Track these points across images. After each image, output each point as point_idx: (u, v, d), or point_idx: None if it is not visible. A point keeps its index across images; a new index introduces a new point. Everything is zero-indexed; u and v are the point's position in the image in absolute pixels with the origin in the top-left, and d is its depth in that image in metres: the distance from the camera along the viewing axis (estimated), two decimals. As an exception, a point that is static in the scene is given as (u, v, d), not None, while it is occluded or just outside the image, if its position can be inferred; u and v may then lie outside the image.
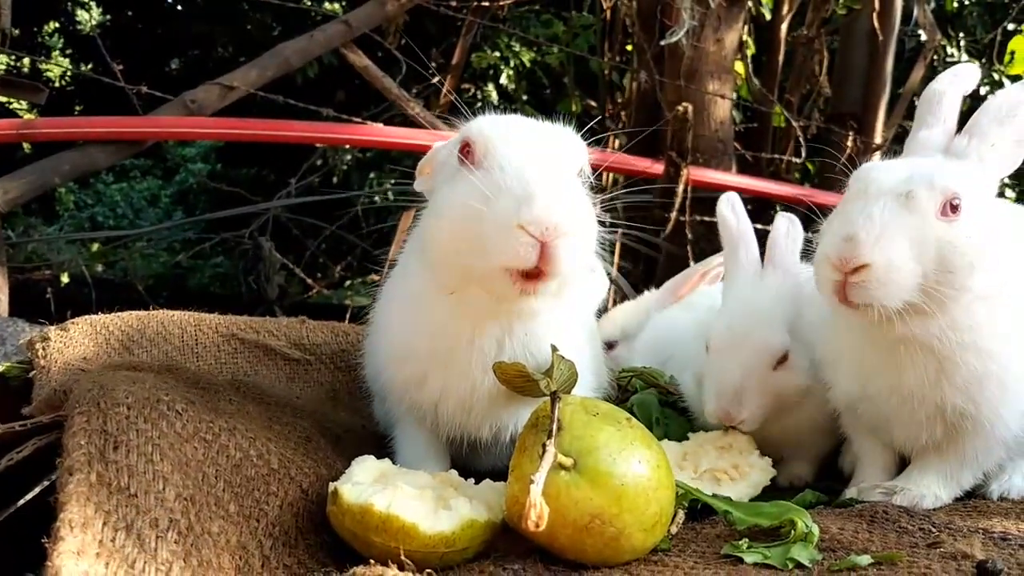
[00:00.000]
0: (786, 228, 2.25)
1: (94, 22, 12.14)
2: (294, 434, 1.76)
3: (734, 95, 5.82)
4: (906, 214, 1.67)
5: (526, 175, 1.48)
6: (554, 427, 1.39)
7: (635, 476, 1.41)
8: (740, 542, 1.49)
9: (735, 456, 2.03)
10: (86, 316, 2.46)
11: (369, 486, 1.46)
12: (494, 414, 1.77)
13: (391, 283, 1.93)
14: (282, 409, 1.91)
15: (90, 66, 11.29)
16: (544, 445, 1.36)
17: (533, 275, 1.48)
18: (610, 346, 3.08)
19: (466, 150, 1.59)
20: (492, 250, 1.47)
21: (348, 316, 6.36)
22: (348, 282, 9.29)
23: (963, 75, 1.95)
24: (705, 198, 5.17)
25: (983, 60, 9.76)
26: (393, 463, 1.70)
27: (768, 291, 2.16)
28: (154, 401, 1.49)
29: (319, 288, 7.49)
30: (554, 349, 1.65)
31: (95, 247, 9.41)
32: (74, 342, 2.34)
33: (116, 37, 11.79)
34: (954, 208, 1.68)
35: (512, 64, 8.91)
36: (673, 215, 4.71)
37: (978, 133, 1.82)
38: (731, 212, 2.28)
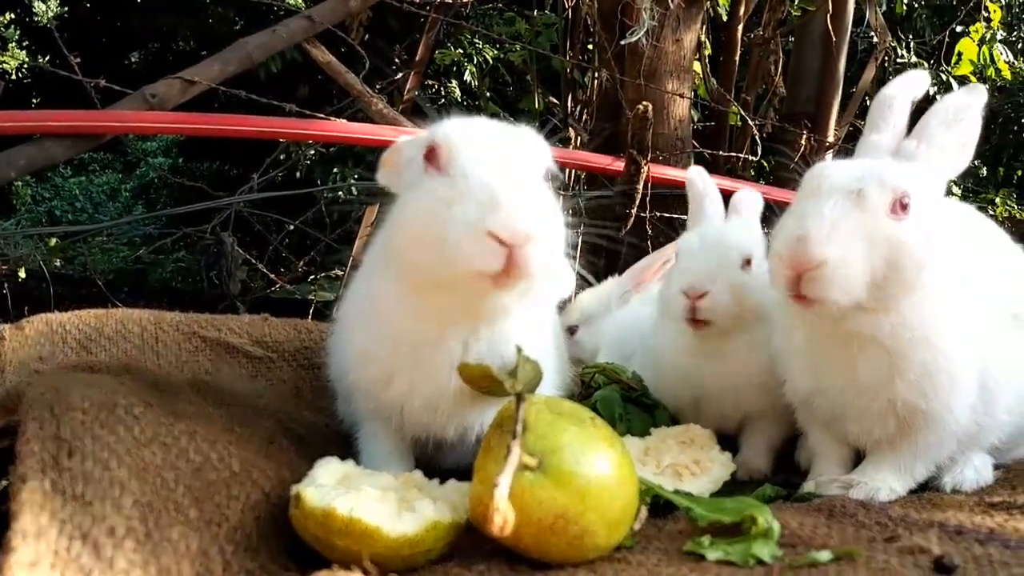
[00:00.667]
0: (747, 194, 2.48)
1: (51, 14, 11.90)
2: (256, 436, 1.74)
3: (692, 94, 5.86)
4: (857, 212, 1.71)
5: (491, 181, 1.46)
6: (519, 428, 1.38)
7: (599, 475, 1.41)
8: (702, 539, 1.50)
9: (696, 451, 2.06)
10: (42, 315, 2.42)
11: (332, 489, 1.45)
12: (460, 414, 1.77)
13: (357, 282, 1.92)
14: (244, 410, 1.88)
15: (47, 58, 11.08)
16: (509, 446, 1.36)
17: (500, 277, 1.48)
18: (571, 331, 3.11)
19: (431, 154, 1.58)
20: (459, 256, 1.46)
21: (311, 311, 6.32)
22: (311, 277, 9.22)
23: (913, 81, 2.01)
24: (665, 195, 5.21)
25: (931, 62, 9.96)
26: (357, 463, 1.70)
27: (734, 224, 2.37)
28: (110, 405, 1.46)
29: (282, 283, 7.42)
30: (519, 350, 1.65)
31: (53, 242, 9.22)
32: (30, 341, 2.30)
33: (74, 29, 11.56)
34: (903, 207, 1.72)
35: (475, 61, 8.89)
36: (634, 212, 4.72)
37: (926, 136, 1.88)
38: (699, 176, 2.48)
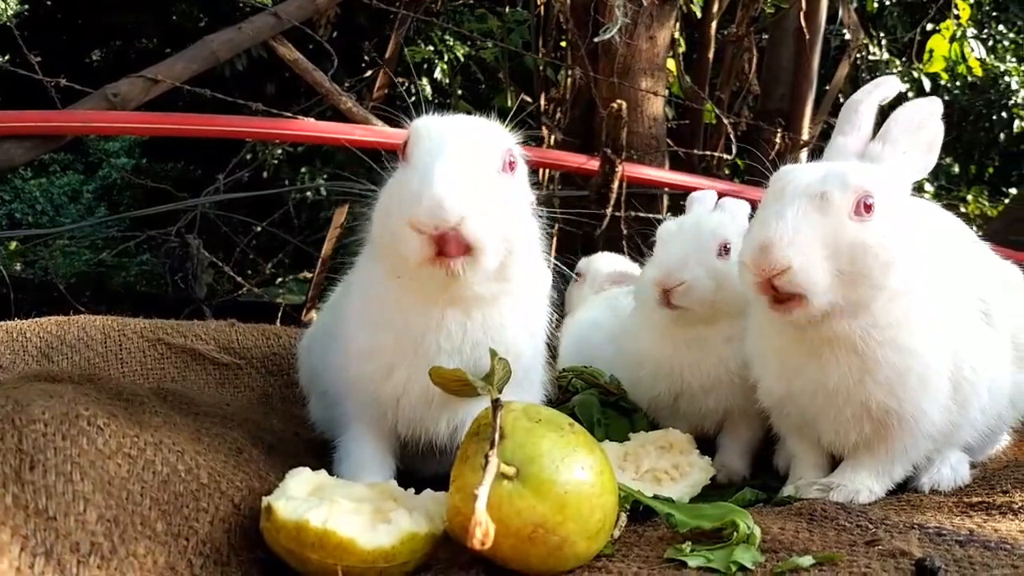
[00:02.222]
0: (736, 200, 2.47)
1: (11, 12, 11.69)
2: (224, 445, 1.69)
3: (666, 92, 5.85)
4: (820, 215, 1.72)
5: (427, 170, 1.52)
6: (496, 437, 1.35)
7: (578, 483, 1.38)
8: (683, 545, 1.48)
9: (675, 456, 2.04)
10: (2, 322, 2.36)
11: (304, 500, 1.42)
12: (452, 408, 1.77)
13: (352, 278, 1.94)
14: (211, 419, 1.84)
15: (7, 58, 10.87)
16: (487, 455, 1.32)
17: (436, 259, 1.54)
18: None
19: (403, 146, 1.66)
20: (399, 246, 1.56)
21: (280, 314, 6.24)
22: (279, 279, 9.14)
23: (882, 85, 2.02)
24: (640, 194, 5.20)
25: (903, 59, 10.07)
26: (330, 472, 1.66)
27: (715, 214, 2.37)
28: (73, 416, 1.41)
29: (249, 286, 7.32)
30: (493, 354, 1.62)
31: (13, 245, 9.04)
32: (-11, 350, 2.24)
33: (34, 27, 11.35)
34: (868, 207, 1.72)
35: (446, 58, 8.84)
36: (609, 211, 4.71)
37: (891, 140, 1.88)
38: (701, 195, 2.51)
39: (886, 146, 1.88)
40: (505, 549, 1.35)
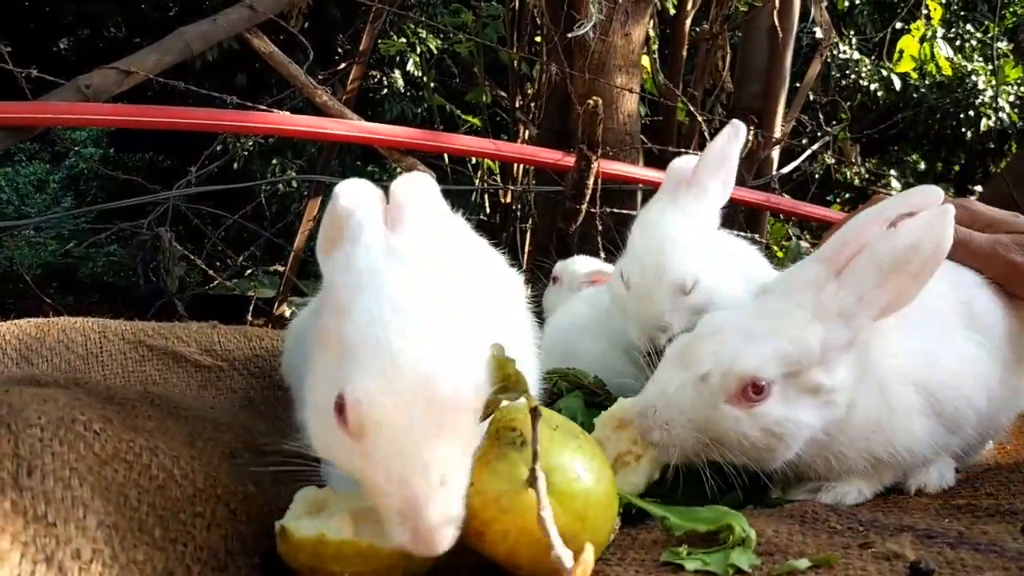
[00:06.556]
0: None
1: (-28, 0, 11.43)
2: (217, 450, 1.68)
3: (640, 89, 5.88)
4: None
5: (414, 499, 1.21)
6: (536, 447, 1.31)
7: (596, 494, 1.39)
8: (679, 549, 1.48)
9: (632, 431, 1.91)
10: (-23, 324, 2.32)
11: (316, 518, 1.41)
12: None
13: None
14: (202, 423, 1.82)
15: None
16: (532, 470, 1.29)
17: None
18: None
19: (340, 407, 1.22)
20: None
21: (251, 307, 6.18)
22: (250, 272, 9.05)
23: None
24: (615, 191, 5.22)
25: (873, 57, 10.19)
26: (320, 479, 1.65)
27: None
28: (69, 421, 1.39)
29: (220, 279, 7.25)
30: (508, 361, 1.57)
31: (-22, 236, 8.87)
32: (-34, 352, 2.20)
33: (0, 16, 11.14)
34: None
35: (419, 51, 8.79)
36: (584, 207, 4.72)
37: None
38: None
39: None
40: (523, 556, 1.34)
